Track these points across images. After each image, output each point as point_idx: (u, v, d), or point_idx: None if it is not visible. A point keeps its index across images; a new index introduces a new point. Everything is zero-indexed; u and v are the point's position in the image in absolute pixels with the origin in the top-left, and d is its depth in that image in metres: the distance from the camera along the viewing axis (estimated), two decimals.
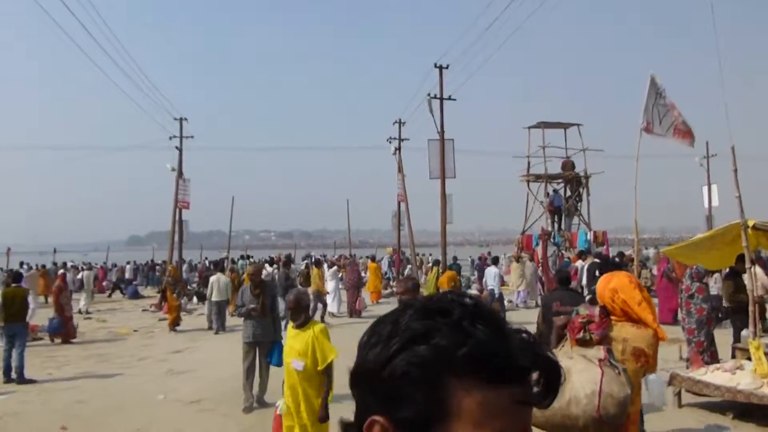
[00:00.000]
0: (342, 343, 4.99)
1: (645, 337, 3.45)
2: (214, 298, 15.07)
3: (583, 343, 3.38)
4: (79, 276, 23.98)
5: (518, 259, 17.76)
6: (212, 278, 15.59)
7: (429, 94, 19.72)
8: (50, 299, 20.62)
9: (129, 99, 22.74)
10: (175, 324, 15.46)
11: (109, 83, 21.19)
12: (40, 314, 13.83)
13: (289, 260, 19.22)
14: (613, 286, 3.56)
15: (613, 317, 3.53)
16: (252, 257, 34.21)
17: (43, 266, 26.68)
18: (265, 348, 7.67)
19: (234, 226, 30.10)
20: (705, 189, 35.30)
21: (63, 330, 13.76)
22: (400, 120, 27.70)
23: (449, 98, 20.03)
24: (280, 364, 7.76)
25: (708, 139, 38.08)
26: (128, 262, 34.92)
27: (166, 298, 16.36)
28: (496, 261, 17.28)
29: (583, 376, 3.08)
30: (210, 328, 15.21)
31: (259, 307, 7.60)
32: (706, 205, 35.08)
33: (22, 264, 27.70)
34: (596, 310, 3.50)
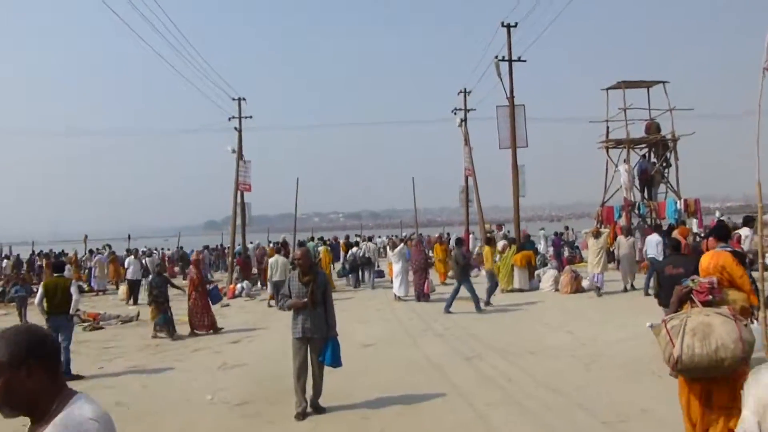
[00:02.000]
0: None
1: (746, 298, 4.57)
2: (274, 279, 15.97)
3: (709, 304, 4.16)
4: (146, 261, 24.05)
5: (597, 234, 15.60)
6: (271, 260, 16.68)
7: (496, 56, 18.09)
8: (122, 287, 20.77)
9: (186, 80, 22.25)
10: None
11: (165, 66, 20.70)
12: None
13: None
14: (722, 263, 4.63)
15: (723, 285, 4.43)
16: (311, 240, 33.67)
17: (113, 252, 26.76)
18: (317, 345, 6.63)
19: (303, 208, 29.42)
20: None
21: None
22: (465, 89, 26.11)
23: (518, 60, 18.33)
24: (334, 364, 6.72)
25: None
26: (205, 247, 35.44)
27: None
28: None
29: (725, 328, 3.82)
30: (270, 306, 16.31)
31: (308, 300, 6.55)
32: None
33: (92, 251, 28.01)
34: (715, 279, 4.34)
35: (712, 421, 3.96)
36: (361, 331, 11.89)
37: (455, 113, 26.25)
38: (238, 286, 20.08)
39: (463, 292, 13.78)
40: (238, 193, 23.83)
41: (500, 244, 19.02)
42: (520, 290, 17.13)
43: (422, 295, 16.23)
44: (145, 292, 19.36)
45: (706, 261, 4.74)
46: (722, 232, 5.85)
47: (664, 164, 22.08)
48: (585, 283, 16.31)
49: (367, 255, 21.84)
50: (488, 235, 19.08)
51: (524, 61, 18.25)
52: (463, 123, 25.77)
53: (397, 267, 16.77)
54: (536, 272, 17.65)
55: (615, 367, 8.09)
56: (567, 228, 26.47)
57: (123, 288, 20.26)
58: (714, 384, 3.95)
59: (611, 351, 9.15)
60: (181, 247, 40.22)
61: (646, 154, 22.95)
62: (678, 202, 20.72)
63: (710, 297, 4.18)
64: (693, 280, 4.35)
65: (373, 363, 9.16)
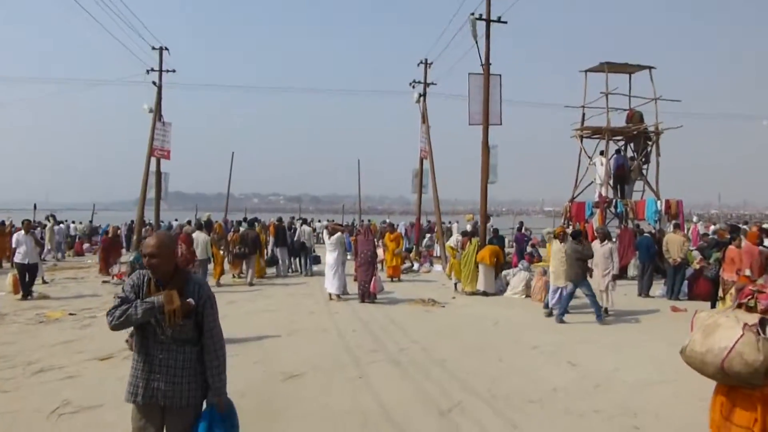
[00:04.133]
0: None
1: None
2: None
3: (748, 309, 3.92)
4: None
5: (562, 236, 11.61)
6: (193, 236, 15.11)
7: (473, 14, 15.06)
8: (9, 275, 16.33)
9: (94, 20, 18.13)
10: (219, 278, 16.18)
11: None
12: None
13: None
14: None
15: None
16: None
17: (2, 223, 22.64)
18: (178, 420, 3.37)
19: (242, 188, 26.15)
20: None
21: None
22: (426, 60, 23.01)
23: (498, 20, 15.36)
24: None
25: None
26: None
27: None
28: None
29: (724, 333, 3.66)
30: None
31: (168, 322, 3.29)
32: None
33: None
34: None
35: None
36: (287, 348, 8.66)
37: (413, 86, 23.15)
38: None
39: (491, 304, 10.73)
40: (154, 160, 19.99)
41: (453, 239, 16.13)
42: (485, 294, 14.32)
43: (368, 295, 13.13)
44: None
45: None
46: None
47: (643, 159, 19.74)
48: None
49: (301, 240, 18.70)
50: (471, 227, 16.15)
51: (505, 22, 15.31)
52: (422, 98, 22.73)
53: (331, 258, 13.58)
54: (503, 273, 14.83)
55: None
56: (522, 225, 23.82)
57: (10, 277, 14.13)
58: (738, 399, 3.77)
59: (645, 402, 6.31)
60: (91, 222, 35.78)
61: (622, 148, 20.59)
62: (659, 202, 18.40)
63: (747, 300, 3.95)
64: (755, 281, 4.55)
65: (296, 415, 5.96)
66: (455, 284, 15.11)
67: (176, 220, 38.73)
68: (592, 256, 11.11)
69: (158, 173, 20.09)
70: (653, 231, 16.58)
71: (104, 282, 16.53)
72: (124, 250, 22.29)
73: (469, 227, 16.07)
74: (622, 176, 19.71)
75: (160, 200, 20.38)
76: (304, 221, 21.45)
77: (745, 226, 16.52)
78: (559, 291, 11.33)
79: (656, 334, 10.00)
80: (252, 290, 15.25)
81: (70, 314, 11.65)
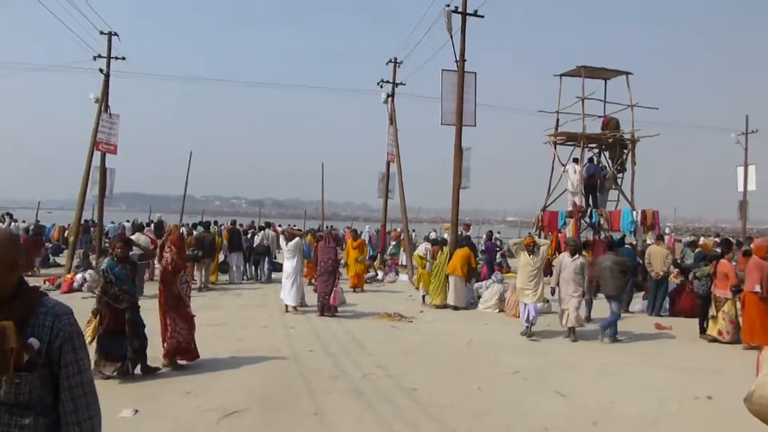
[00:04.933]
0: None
1: None
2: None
3: None
4: None
5: (531, 247, 10.33)
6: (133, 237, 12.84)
7: (448, 5, 14.04)
8: None
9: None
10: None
11: None
12: None
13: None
14: None
15: None
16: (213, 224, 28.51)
17: None
18: None
19: (203, 190, 24.61)
20: (740, 170, 30.52)
21: None
22: (395, 59, 21.94)
23: (474, 14, 14.38)
24: None
25: (748, 113, 33.29)
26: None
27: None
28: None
29: None
30: None
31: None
32: (741, 188, 30.35)
33: None
34: None
35: None
36: (230, 375, 7.36)
37: (381, 86, 22.05)
38: (78, 276, 14.80)
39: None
40: (99, 154, 18.33)
41: (421, 248, 15.03)
42: (455, 308, 13.24)
43: (327, 308, 11.88)
44: None
45: None
46: None
47: (618, 168, 19.03)
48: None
49: (266, 243, 17.47)
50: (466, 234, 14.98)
51: (481, 16, 14.35)
52: (390, 99, 21.64)
53: (289, 265, 12.34)
54: (475, 286, 13.77)
55: None
56: (491, 234, 22.85)
57: None
58: None
59: None
60: (38, 221, 33.49)
61: (594, 157, 19.85)
62: (634, 212, 17.67)
63: None
64: None
65: None
66: (423, 296, 14.00)
67: (127, 221, 36.76)
68: (635, 268, 10.43)
69: (102, 169, 18.42)
70: (633, 242, 15.78)
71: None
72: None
73: (446, 236, 15.01)
74: (594, 185, 18.96)
75: (103, 198, 18.70)
76: (268, 225, 20.11)
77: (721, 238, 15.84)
78: (528, 309, 10.17)
79: (645, 356, 9.07)
80: (199, 298, 13.83)
81: None
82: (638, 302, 13.65)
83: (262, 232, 18.40)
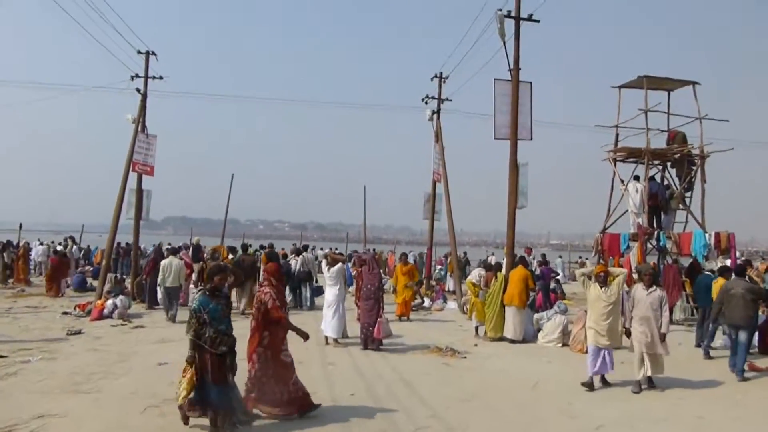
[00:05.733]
0: None
1: None
2: (166, 284, 13.87)
3: None
4: None
5: (604, 277, 8.40)
6: (164, 262, 14.16)
7: (500, 10, 12.93)
8: None
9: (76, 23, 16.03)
10: None
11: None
12: None
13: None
14: None
15: None
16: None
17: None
18: None
19: (248, 214, 24.04)
20: None
21: None
22: (440, 74, 20.91)
23: (530, 18, 13.24)
24: None
25: None
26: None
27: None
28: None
29: None
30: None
31: None
32: None
33: None
34: None
35: None
36: (260, 422, 6.25)
37: (426, 102, 21.00)
38: (109, 302, 14.04)
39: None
40: (135, 175, 17.79)
41: (475, 273, 13.74)
42: (512, 341, 11.91)
43: (371, 341, 10.72)
44: None
45: None
46: None
47: (687, 186, 17.37)
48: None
49: (304, 269, 16.59)
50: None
51: (537, 21, 13.18)
52: (435, 115, 20.56)
53: (331, 294, 11.24)
54: (535, 317, 12.40)
55: None
56: (545, 257, 21.32)
57: None
58: None
59: None
60: (88, 246, 33.51)
61: (657, 174, 18.22)
62: (707, 235, 15.98)
63: None
64: None
65: None
66: (476, 327, 12.70)
67: (170, 244, 36.49)
68: None
69: (138, 190, 17.86)
70: (712, 269, 14.10)
71: (64, 314, 14.17)
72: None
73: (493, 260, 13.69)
74: (657, 205, 17.33)
75: (140, 221, 18.11)
76: (306, 248, 19.18)
77: None
78: (602, 354, 8.25)
79: (748, 407, 7.57)
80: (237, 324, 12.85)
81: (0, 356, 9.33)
82: (719, 337, 12.01)
83: (301, 256, 17.46)
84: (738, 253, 17.40)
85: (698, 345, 11.80)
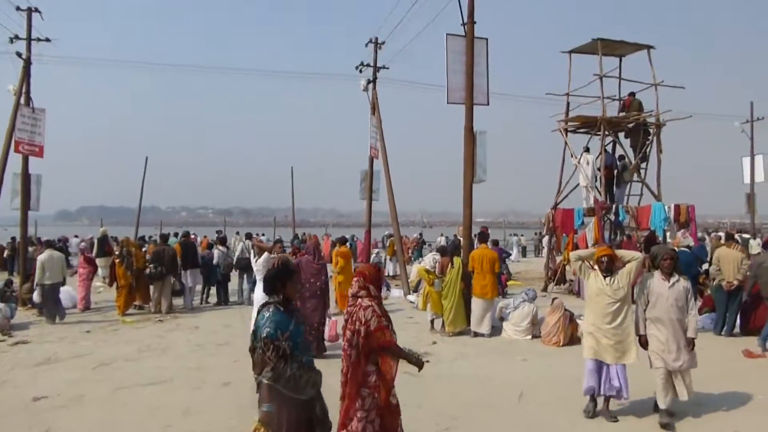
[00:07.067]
0: None
1: None
2: (45, 282, 11.97)
3: None
4: None
5: (608, 263, 6.04)
6: (41, 256, 12.22)
7: None
8: None
9: None
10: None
11: None
12: None
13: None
14: None
15: None
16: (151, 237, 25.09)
17: None
18: None
19: (169, 201, 21.17)
20: (746, 161, 28.38)
21: None
22: (376, 39, 19.00)
23: None
24: None
25: (753, 99, 31.25)
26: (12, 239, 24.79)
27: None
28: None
29: None
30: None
31: None
32: (747, 180, 28.19)
33: None
34: None
35: None
36: None
37: (360, 70, 19.06)
38: None
39: None
40: (20, 157, 14.92)
41: (428, 258, 12.13)
42: (475, 334, 10.35)
43: (320, 347, 8.82)
44: None
45: None
46: None
47: (642, 157, 16.34)
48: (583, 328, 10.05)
49: (245, 255, 14.48)
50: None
51: None
52: (371, 84, 18.66)
53: (261, 290, 9.17)
54: (498, 305, 10.84)
55: None
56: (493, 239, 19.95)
57: None
58: None
59: None
60: None
61: (608, 145, 17.12)
62: (666, 207, 15.00)
63: None
64: None
65: None
66: (431, 320, 11.03)
67: (76, 236, 33.04)
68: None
69: (24, 175, 14.99)
70: (689, 245, 13.01)
71: None
72: None
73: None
74: (611, 178, 16.27)
75: (27, 210, 15.24)
76: (248, 235, 16.99)
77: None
78: (605, 372, 6.04)
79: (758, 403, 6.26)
80: (143, 334, 10.61)
81: None
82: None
83: (242, 243, 15.54)
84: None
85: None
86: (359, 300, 4.29)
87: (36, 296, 12.44)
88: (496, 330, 10.56)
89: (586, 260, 6.29)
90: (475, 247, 11.72)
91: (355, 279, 4.44)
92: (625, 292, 5.98)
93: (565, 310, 9.93)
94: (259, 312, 3.91)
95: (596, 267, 6.14)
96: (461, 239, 12.34)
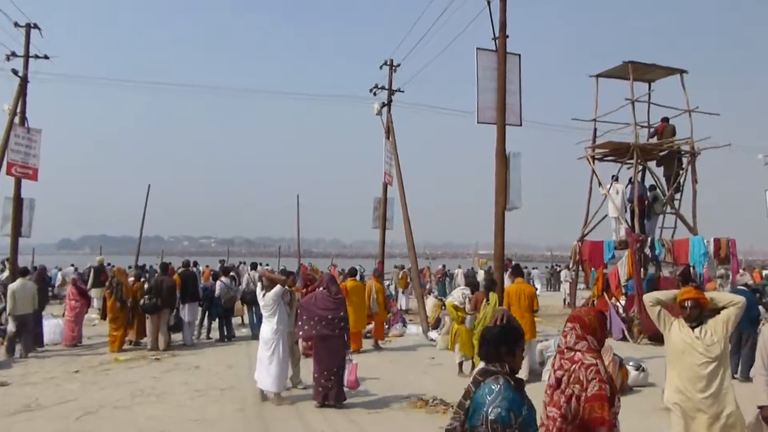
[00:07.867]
0: None
1: None
2: (17, 312, 11.03)
3: None
4: None
5: (696, 309, 4.52)
6: (14, 285, 11.35)
7: None
8: None
9: None
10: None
11: None
12: None
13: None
14: None
15: None
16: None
17: None
18: None
19: (172, 231, 20.22)
20: None
21: None
22: (391, 61, 18.20)
23: None
24: None
25: None
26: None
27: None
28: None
29: None
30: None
31: None
32: None
33: None
34: None
35: None
36: None
37: (375, 93, 18.20)
38: None
39: None
40: (13, 181, 13.98)
41: (457, 293, 10.94)
42: None
43: (337, 396, 7.64)
44: None
45: None
46: None
47: (677, 187, 15.27)
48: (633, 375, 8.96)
49: (251, 287, 13.50)
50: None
51: None
52: (386, 108, 17.78)
53: (268, 329, 8.00)
54: (538, 348, 9.66)
55: None
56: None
57: None
58: None
59: None
60: None
61: (638, 175, 16.03)
62: (706, 241, 13.89)
63: None
64: None
65: None
66: (460, 363, 9.86)
67: (72, 265, 31.89)
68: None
69: (17, 199, 14.01)
70: (748, 284, 11.82)
71: None
72: None
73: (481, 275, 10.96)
74: (641, 209, 15.19)
75: (18, 237, 14.20)
76: (254, 266, 15.91)
77: None
78: None
79: None
80: (138, 374, 9.45)
81: None
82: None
83: (247, 275, 14.47)
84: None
85: (732, 376, 9.43)
86: (576, 354, 3.28)
87: (11, 327, 11.31)
88: (535, 375, 9.38)
89: (665, 305, 4.78)
90: (506, 282, 10.62)
91: (569, 326, 3.39)
92: (722, 347, 4.46)
93: (612, 353, 8.77)
94: (478, 382, 2.82)
95: (681, 310, 4.85)
96: (494, 272, 11.16)
